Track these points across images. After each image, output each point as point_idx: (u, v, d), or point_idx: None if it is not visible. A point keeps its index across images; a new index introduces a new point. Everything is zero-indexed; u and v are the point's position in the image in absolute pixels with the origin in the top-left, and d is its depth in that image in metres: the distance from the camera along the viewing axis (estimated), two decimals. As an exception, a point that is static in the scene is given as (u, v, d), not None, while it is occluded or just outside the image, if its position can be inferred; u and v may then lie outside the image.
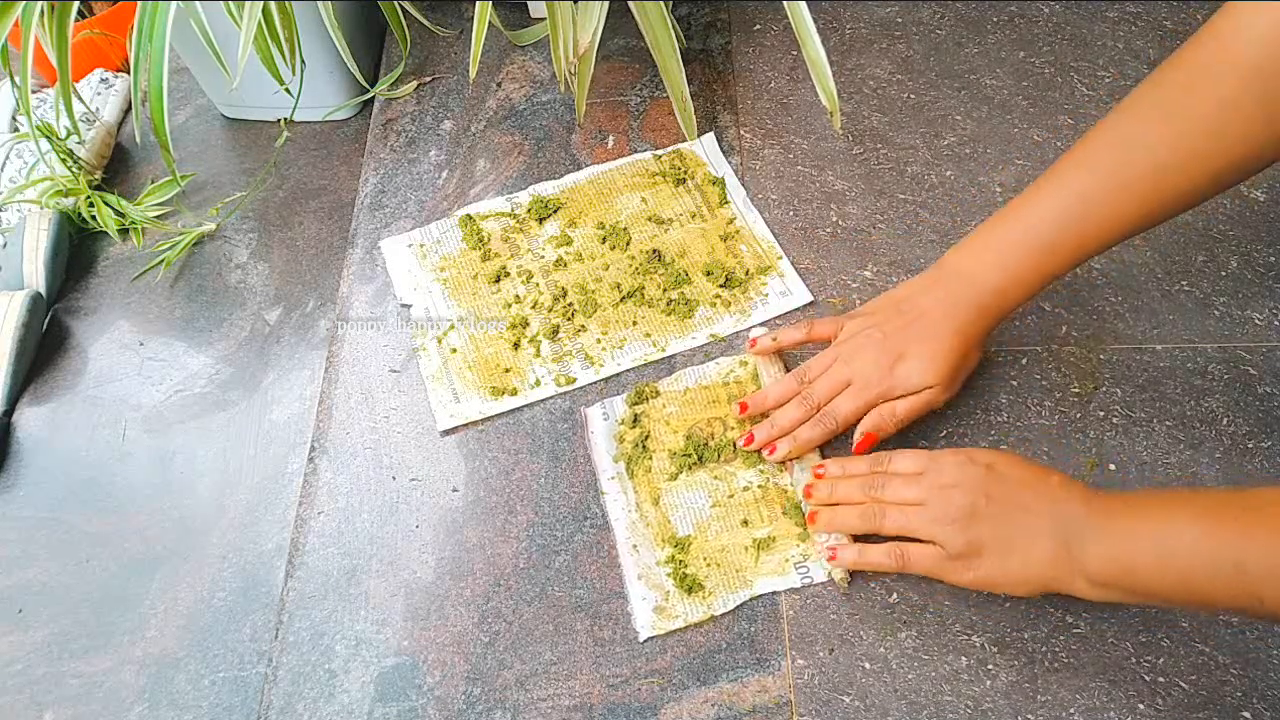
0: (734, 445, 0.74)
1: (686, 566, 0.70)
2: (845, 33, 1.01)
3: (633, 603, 0.69)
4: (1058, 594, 0.59)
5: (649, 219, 0.89)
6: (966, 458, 0.63)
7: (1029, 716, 0.62)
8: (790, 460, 0.72)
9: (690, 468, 0.74)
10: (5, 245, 1.00)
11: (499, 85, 1.03)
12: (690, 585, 0.69)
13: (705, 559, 0.70)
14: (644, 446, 0.76)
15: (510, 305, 0.85)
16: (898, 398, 0.70)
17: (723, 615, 0.68)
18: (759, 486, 0.73)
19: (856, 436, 0.70)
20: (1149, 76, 0.63)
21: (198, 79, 1.11)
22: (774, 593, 0.69)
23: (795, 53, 0.96)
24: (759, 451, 0.73)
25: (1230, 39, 0.58)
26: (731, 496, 0.73)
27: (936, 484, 0.63)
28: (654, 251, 0.86)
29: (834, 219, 0.87)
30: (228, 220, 1.04)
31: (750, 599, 0.68)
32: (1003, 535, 0.60)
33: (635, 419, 0.77)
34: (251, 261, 1.01)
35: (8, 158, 1.07)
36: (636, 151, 0.94)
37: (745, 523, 0.71)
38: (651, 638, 0.68)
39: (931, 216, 0.86)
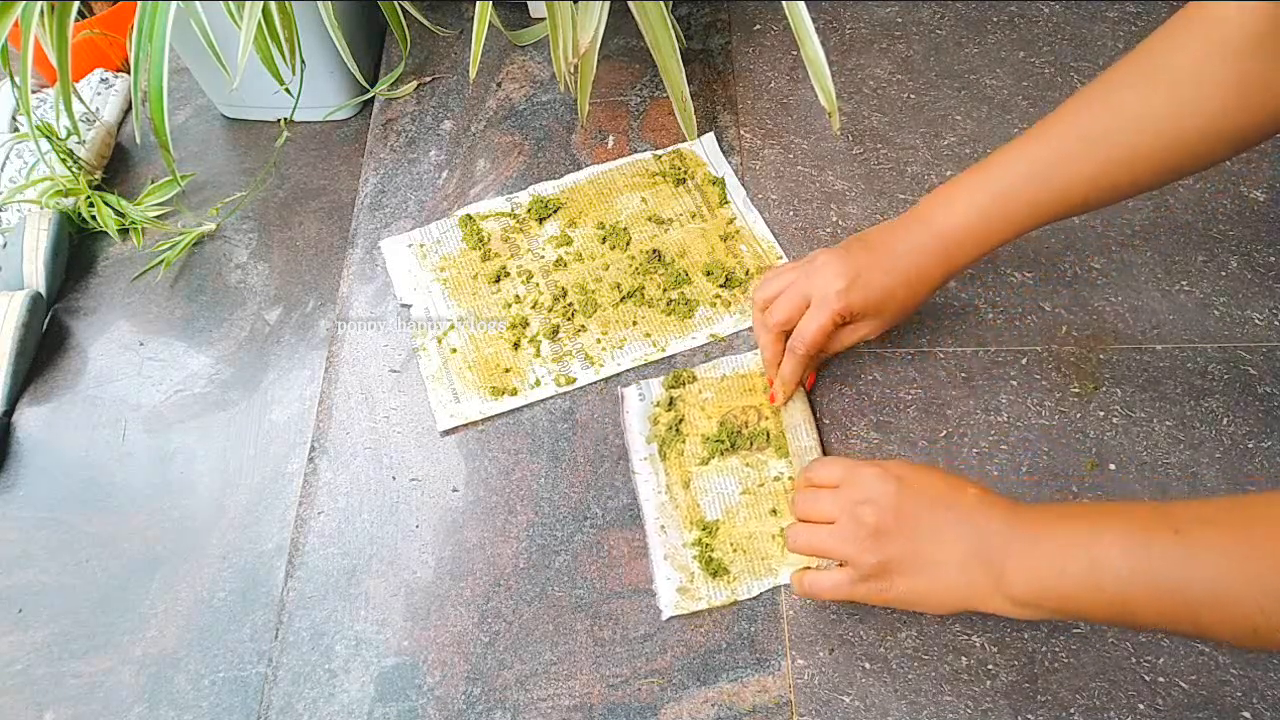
0: (767, 434, 0.75)
1: (713, 550, 0.70)
2: (845, 33, 1.01)
3: (657, 582, 0.70)
4: (979, 612, 0.57)
5: (649, 219, 0.89)
6: (880, 471, 0.60)
7: (1029, 716, 0.62)
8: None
9: (722, 454, 0.74)
10: (5, 245, 1.00)
11: (499, 85, 1.03)
12: (715, 569, 0.69)
13: (732, 544, 0.70)
14: (678, 430, 0.76)
15: (510, 305, 0.85)
16: (849, 319, 0.70)
17: (723, 615, 0.68)
18: (789, 477, 0.73)
19: (801, 377, 0.74)
20: (1124, 56, 0.63)
21: (198, 79, 1.11)
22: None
23: (795, 53, 0.95)
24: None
25: (1203, 13, 0.58)
26: (762, 485, 0.73)
27: (850, 499, 0.61)
28: (654, 251, 0.86)
29: (834, 219, 0.87)
30: (228, 220, 1.04)
31: (774, 587, 0.69)
32: (913, 554, 0.58)
33: (671, 402, 0.78)
34: (251, 261, 1.01)
35: (8, 158, 1.07)
36: (636, 151, 0.94)
37: (774, 512, 0.71)
38: (673, 617, 0.68)
39: (931, 216, 0.86)
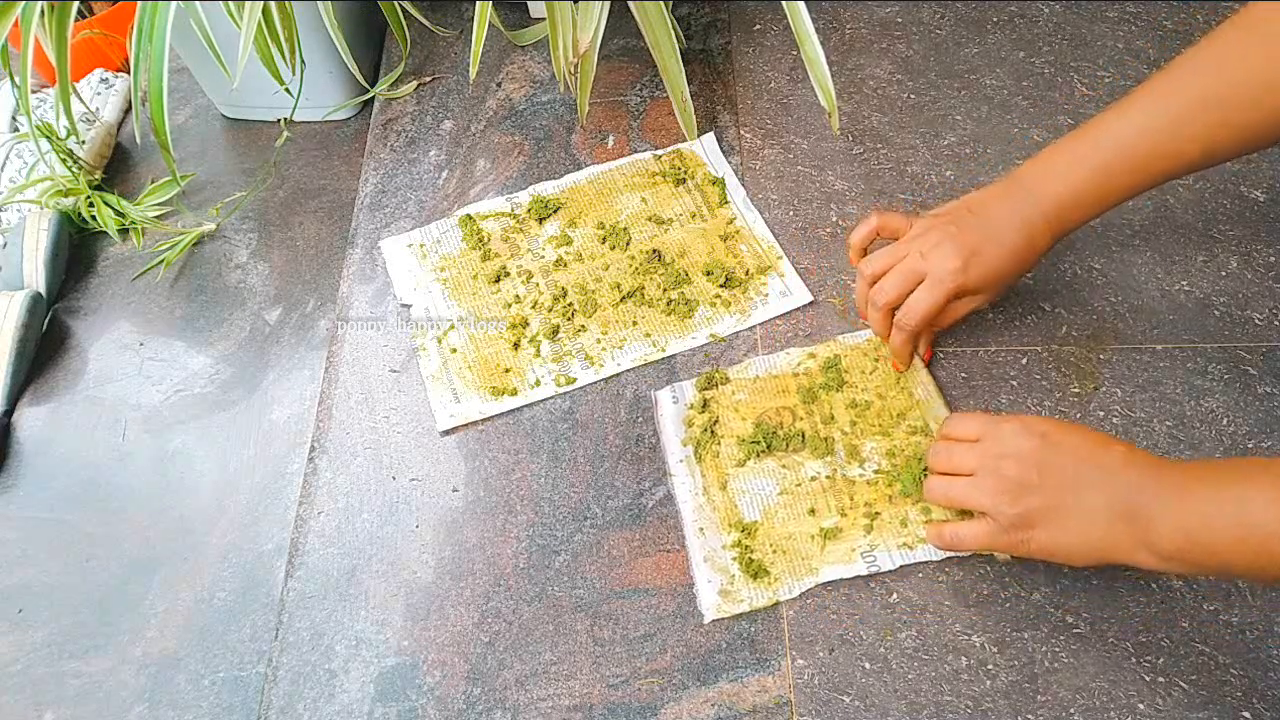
0: (802, 436, 0.75)
1: (752, 552, 0.70)
2: (845, 33, 1.01)
3: (698, 585, 0.69)
4: (1118, 564, 0.58)
5: (649, 219, 0.89)
6: (1022, 426, 0.61)
7: (1029, 716, 0.62)
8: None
9: (758, 455, 0.74)
10: (5, 245, 1.00)
11: (499, 85, 1.03)
12: (756, 570, 0.69)
13: (771, 545, 0.70)
14: (712, 432, 0.76)
15: (510, 305, 0.85)
16: (967, 295, 0.71)
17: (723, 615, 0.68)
18: (826, 477, 0.73)
19: (921, 352, 0.76)
20: (1229, 18, 0.63)
21: (198, 79, 1.11)
22: (840, 580, 0.68)
23: (795, 53, 0.95)
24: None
25: None
26: (799, 485, 0.73)
27: (990, 453, 0.61)
28: (654, 251, 0.86)
29: (834, 219, 0.87)
30: (228, 220, 1.04)
31: (815, 586, 0.68)
32: (1055, 508, 0.59)
33: (704, 404, 0.77)
34: (251, 261, 1.01)
35: (8, 158, 1.07)
36: (636, 151, 0.94)
37: (812, 512, 0.71)
38: (716, 620, 0.68)
39: (931, 216, 0.86)
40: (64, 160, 1.02)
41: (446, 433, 0.79)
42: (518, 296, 0.85)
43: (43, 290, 0.97)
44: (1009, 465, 0.60)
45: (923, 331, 0.74)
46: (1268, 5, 0.61)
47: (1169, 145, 0.64)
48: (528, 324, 0.83)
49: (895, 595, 0.68)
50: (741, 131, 0.94)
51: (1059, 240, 0.70)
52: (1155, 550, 0.56)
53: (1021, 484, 0.59)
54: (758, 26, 1.03)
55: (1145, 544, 0.56)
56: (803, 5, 0.81)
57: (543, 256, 0.88)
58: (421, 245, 0.90)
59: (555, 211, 0.90)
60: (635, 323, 0.83)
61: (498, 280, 0.87)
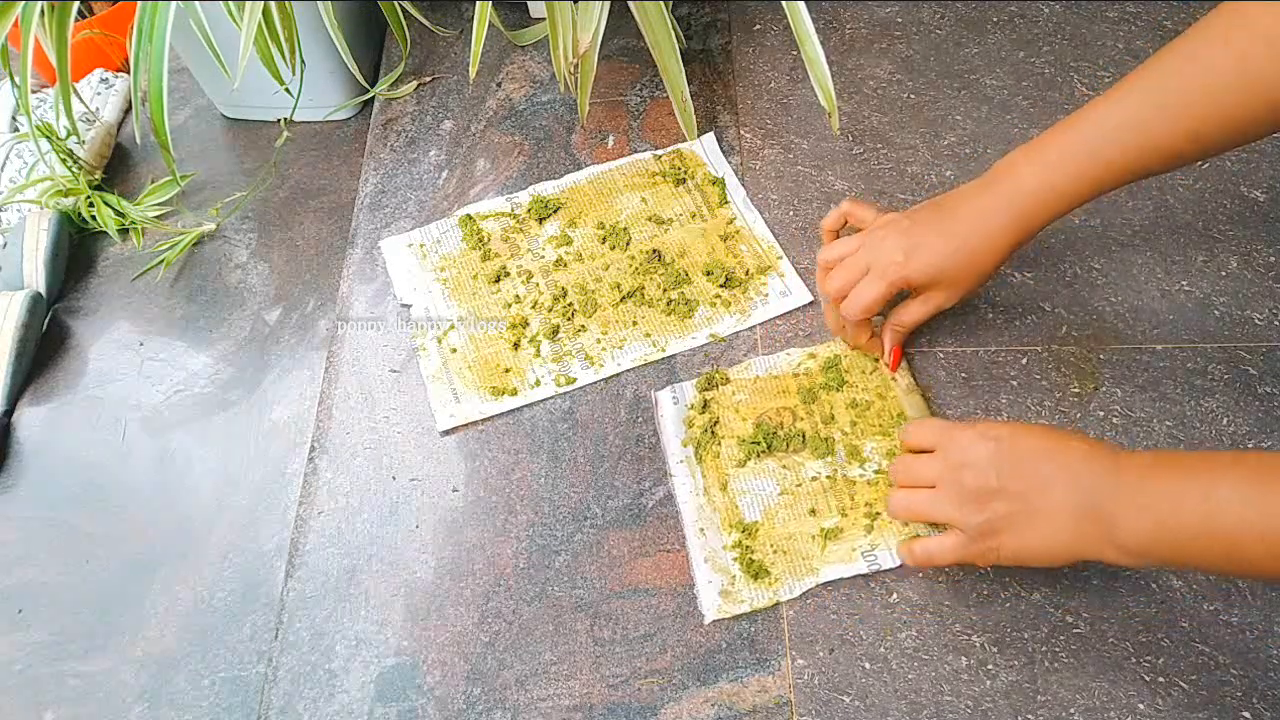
0: (802, 436, 0.74)
1: (753, 552, 0.70)
2: (845, 33, 1.01)
3: (698, 585, 0.69)
4: (1088, 562, 0.57)
5: (649, 219, 0.89)
6: (979, 434, 0.60)
7: (1029, 716, 0.62)
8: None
9: (759, 455, 0.74)
10: (5, 245, 1.00)
11: (499, 85, 1.03)
12: (756, 571, 0.69)
13: (772, 545, 0.70)
14: (713, 432, 0.76)
15: (510, 305, 0.85)
16: (913, 290, 0.69)
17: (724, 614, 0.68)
18: (827, 477, 0.73)
19: (886, 357, 0.75)
20: (1211, 11, 0.62)
21: (198, 79, 1.11)
22: (841, 579, 0.68)
23: (795, 53, 0.95)
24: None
25: None
26: (799, 485, 0.73)
27: (949, 463, 0.61)
28: (654, 251, 0.86)
29: (834, 219, 0.87)
30: (228, 220, 1.04)
31: (816, 586, 0.68)
32: (1019, 513, 0.58)
33: (705, 404, 0.77)
34: (251, 261, 1.01)
35: (8, 158, 1.07)
36: (636, 151, 0.94)
37: (813, 512, 0.71)
38: (717, 620, 0.68)
39: (931, 216, 0.86)
40: (64, 160, 1.02)
41: (446, 433, 0.79)
42: (518, 296, 0.85)
43: (43, 290, 0.97)
44: (968, 475, 0.59)
45: (894, 331, 0.74)
46: (1244, 5, 0.60)
47: (1159, 134, 0.63)
48: (528, 324, 0.84)
49: (895, 595, 0.68)
50: (741, 131, 0.94)
51: (1028, 238, 0.67)
52: (1122, 547, 0.55)
53: (983, 492, 0.59)
54: (758, 26, 1.03)
55: (1111, 542, 0.55)
56: (803, 5, 0.81)
57: (543, 256, 0.88)
58: (421, 245, 0.90)
59: (555, 211, 0.90)
60: (635, 323, 0.83)
61: (498, 280, 0.87)
